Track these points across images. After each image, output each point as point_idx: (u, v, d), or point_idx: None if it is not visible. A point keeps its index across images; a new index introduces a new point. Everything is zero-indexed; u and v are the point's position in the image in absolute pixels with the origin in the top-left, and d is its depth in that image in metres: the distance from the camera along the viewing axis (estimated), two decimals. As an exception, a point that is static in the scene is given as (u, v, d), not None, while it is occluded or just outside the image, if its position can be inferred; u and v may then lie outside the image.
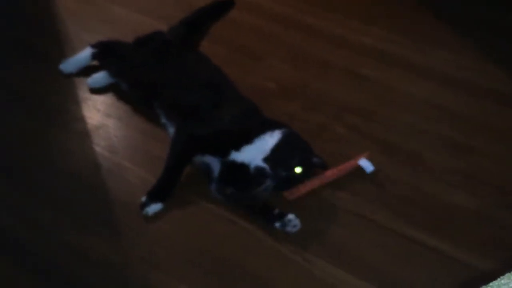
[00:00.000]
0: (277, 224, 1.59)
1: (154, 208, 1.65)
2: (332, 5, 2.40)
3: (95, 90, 2.00)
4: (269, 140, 1.67)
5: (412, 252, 1.58)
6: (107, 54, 2.03)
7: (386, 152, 1.83)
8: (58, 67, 2.04)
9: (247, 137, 1.68)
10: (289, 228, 1.59)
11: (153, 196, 1.66)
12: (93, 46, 2.05)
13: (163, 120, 1.83)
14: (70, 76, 2.04)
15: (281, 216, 1.60)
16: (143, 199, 1.66)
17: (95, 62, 2.05)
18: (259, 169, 1.62)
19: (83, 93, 1.99)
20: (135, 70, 1.92)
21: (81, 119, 1.91)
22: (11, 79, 2.03)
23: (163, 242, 1.60)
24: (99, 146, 1.84)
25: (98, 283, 1.51)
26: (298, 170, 1.64)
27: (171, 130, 1.79)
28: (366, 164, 1.75)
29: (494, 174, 1.77)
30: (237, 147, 1.67)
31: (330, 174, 1.73)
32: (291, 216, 1.60)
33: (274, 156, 1.63)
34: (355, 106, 1.98)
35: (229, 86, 1.88)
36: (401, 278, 1.52)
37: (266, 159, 1.63)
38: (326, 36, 2.25)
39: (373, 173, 1.75)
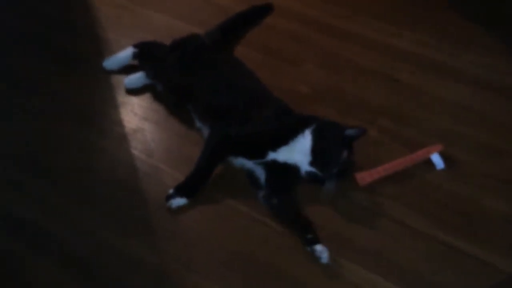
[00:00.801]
0: (307, 248, 1.60)
1: (178, 201, 1.70)
2: (364, 9, 2.40)
3: (132, 93, 2.05)
4: (303, 141, 1.69)
5: (446, 256, 1.58)
6: (146, 54, 2.09)
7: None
8: (97, 73, 2.10)
9: (283, 138, 1.70)
10: (316, 255, 1.58)
11: (180, 190, 1.70)
12: (135, 46, 2.12)
13: (198, 124, 1.87)
14: (109, 78, 2.10)
15: (312, 243, 1.58)
16: (171, 191, 1.70)
17: (135, 62, 2.10)
18: (311, 174, 1.67)
19: (121, 98, 2.04)
20: (171, 73, 1.96)
21: (119, 123, 1.96)
22: (53, 87, 2.09)
23: (198, 244, 1.63)
24: (137, 149, 1.88)
25: (135, 283, 1.56)
26: (344, 154, 1.66)
27: (206, 132, 1.82)
28: (438, 160, 1.77)
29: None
30: (274, 147, 1.70)
31: (402, 162, 1.75)
32: (318, 247, 1.57)
33: (317, 159, 1.66)
34: (389, 110, 1.98)
35: (262, 89, 1.90)
36: (436, 284, 1.52)
37: (312, 163, 1.66)
38: (358, 40, 2.25)
39: (408, 177, 1.75)
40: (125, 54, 2.12)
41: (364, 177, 1.72)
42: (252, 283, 1.55)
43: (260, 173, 1.73)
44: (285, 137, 1.71)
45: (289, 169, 1.72)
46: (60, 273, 1.58)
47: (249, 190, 1.73)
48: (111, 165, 1.84)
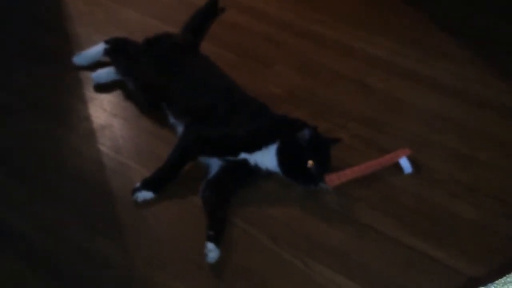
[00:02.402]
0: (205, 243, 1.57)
1: (144, 195, 1.67)
2: (339, 15, 2.41)
3: (102, 88, 2.02)
4: (272, 154, 1.71)
5: (414, 260, 1.58)
6: (118, 51, 2.05)
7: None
8: (66, 67, 2.06)
9: (257, 143, 1.71)
10: (205, 251, 1.53)
11: (147, 184, 1.68)
12: (106, 42, 2.09)
13: (172, 120, 1.85)
14: (78, 73, 2.06)
15: (208, 239, 1.54)
16: (137, 184, 1.68)
17: (106, 58, 2.07)
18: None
19: (90, 93, 2.01)
20: (145, 70, 1.94)
21: (88, 119, 1.93)
22: (19, 79, 2.05)
23: (167, 243, 1.61)
24: (105, 146, 1.85)
25: (103, 283, 1.51)
26: (310, 163, 1.67)
27: (180, 129, 1.81)
28: (406, 165, 1.77)
29: (497, 186, 1.77)
30: (247, 151, 1.71)
31: (370, 165, 1.75)
32: (210, 246, 1.52)
33: (287, 174, 1.71)
34: (361, 115, 1.99)
35: (238, 89, 1.89)
36: (399, 285, 1.52)
37: (284, 175, 1.72)
38: (333, 45, 2.27)
39: (377, 182, 1.76)
40: (96, 50, 2.09)
41: (332, 179, 1.72)
42: (221, 282, 1.53)
43: (216, 165, 1.72)
44: (259, 142, 1.71)
45: (251, 170, 1.72)
46: (25, 272, 1.53)
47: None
48: (78, 161, 1.81)
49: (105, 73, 2.02)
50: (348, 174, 1.73)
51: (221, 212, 1.64)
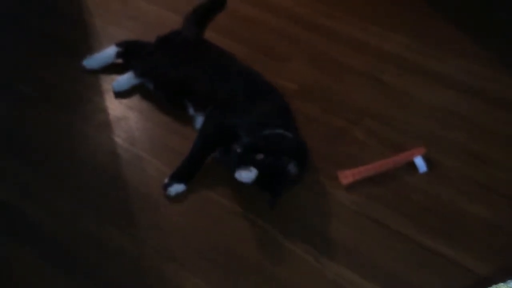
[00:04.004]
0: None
1: (176, 188, 1.70)
2: (353, 10, 2.40)
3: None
4: None
5: (424, 258, 1.59)
6: (131, 53, 2.05)
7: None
8: (82, 59, 2.07)
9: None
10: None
11: (176, 177, 1.71)
12: (117, 44, 2.07)
13: (191, 112, 1.86)
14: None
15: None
16: (166, 180, 1.70)
17: (119, 61, 2.07)
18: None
19: (107, 85, 2.02)
20: (162, 68, 1.94)
21: (104, 110, 1.95)
22: (36, 70, 2.07)
23: (179, 236, 1.63)
24: (120, 137, 1.87)
25: (114, 273, 1.54)
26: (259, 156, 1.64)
27: (199, 120, 1.82)
28: (420, 163, 1.77)
29: (511, 186, 1.77)
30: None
31: (385, 163, 1.76)
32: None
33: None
34: (374, 111, 1.99)
35: (260, 77, 1.92)
36: (411, 283, 1.53)
37: None
38: (347, 40, 2.26)
39: (389, 179, 1.76)
40: (108, 53, 2.07)
41: (347, 175, 1.73)
42: (232, 276, 1.54)
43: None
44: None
45: None
46: (38, 259, 1.56)
47: (232, 184, 1.72)
48: (93, 152, 1.83)
49: (125, 80, 2.00)
50: (362, 171, 1.74)
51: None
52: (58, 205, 1.68)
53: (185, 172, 1.72)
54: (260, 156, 1.62)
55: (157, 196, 1.71)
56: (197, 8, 2.21)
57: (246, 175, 1.58)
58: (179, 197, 1.71)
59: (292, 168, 1.63)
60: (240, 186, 1.69)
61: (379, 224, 1.66)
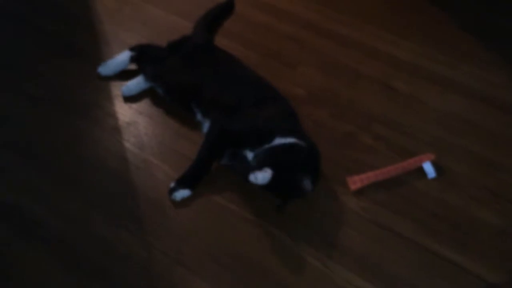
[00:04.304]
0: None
1: (182, 193, 1.71)
2: (363, 16, 2.40)
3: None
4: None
5: (433, 264, 1.58)
6: (145, 56, 2.05)
7: (412, 164, 1.83)
8: (94, 63, 2.08)
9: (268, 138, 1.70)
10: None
11: (182, 182, 1.72)
12: (131, 49, 2.08)
13: (199, 117, 1.87)
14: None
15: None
16: (172, 184, 1.71)
17: (132, 66, 2.08)
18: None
19: (117, 90, 2.03)
20: (175, 73, 1.95)
21: (113, 115, 1.95)
22: (48, 74, 2.08)
23: (187, 240, 1.63)
24: (129, 142, 1.88)
25: (122, 276, 1.55)
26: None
27: (206, 127, 1.83)
28: (429, 169, 1.77)
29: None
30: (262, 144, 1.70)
31: (393, 169, 1.76)
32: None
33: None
34: (384, 117, 1.98)
35: (266, 83, 1.92)
36: (420, 290, 1.52)
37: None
38: (357, 47, 2.26)
39: (399, 185, 1.76)
40: (122, 58, 2.06)
41: (355, 181, 1.72)
42: (240, 280, 1.54)
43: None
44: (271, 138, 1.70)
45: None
46: (50, 260, 1.58)
47: (240, 189, 1.73)
48: (103, 156, 1.83)
49: (135, 85, 2.01)
50: (371, 177, 1.73)
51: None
52: (68, 208, 1.69)
53: (190, 178, 1.73)
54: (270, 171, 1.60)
55: (166, 200, 1.71)
56: (207, 14, 2.22)
57: (262, 176, 1.56)
58: (187, 202, 1.71)
59: (307, 184, 1.62)
60: (249, 191, 1.69)
61: (389, 230, 1.66)
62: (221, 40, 2.18)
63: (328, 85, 2.09)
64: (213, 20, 2.23)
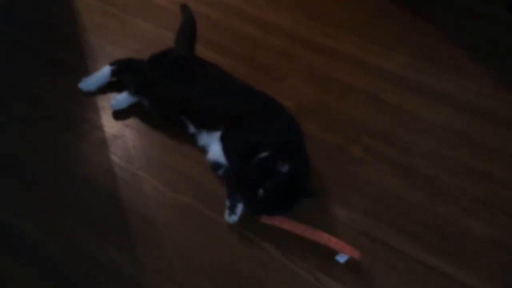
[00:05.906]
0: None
1: (233, 218, 1.68)
2: (351, 29, 2.41)
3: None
4: None
5: (426, 276, 1.57)
6: (125, 71, 2.04)
7: (403, 176, 1.82)
8: (79, 77, 2.05)
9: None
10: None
11: (231, 210, 1.68)
12: (111, 64, 2.06)
13: (192, 130, 1.84)
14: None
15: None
16: (227, 212, 1.69)
17: (115, 79, 2.06)
18: None
19: (103, 102, 2.01)
20: (157, 87, 1.92)
21: (100, 128, 1.93)
22: (33, 88, 2.06)
23: (179, 255, 1.60)
24: (116, 155, 1.85)
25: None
26: (260, 192, 1.60)
27: (202, 138, 1.81)
28: (343, 258, 1.60)
29: (511, 203, 1.75)
30: None
31: (304, 229, 1.63)
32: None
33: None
34: (373, 129, 1.98)
35: (257, 90, 1.91)
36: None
37: None
38: (346, 59, 2.26)
39: (389, 196, 1.75)
40: (102, 73, 2.05)
41: (269, 218, 1.66)
42: (229, 295, 1.52)
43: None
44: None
45: None
46: (36, 279, 1.54)
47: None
48: (90, 171, 1.81)
49: (124, 99, 1.98)
50: (283, 223, 1.64)
51: None
52: (56, 224, 1.66)
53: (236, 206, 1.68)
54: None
55: (155, 215, 1.68)
56: (180, 26, 2.21)
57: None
58: (178, 217, 1.68)
59: (283, 167, 1.59)
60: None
61: (380, 242, 1.64)
62: (208, 53, 2.17)
63: (317, 98, 2.09)
64: (187, 31, 2.19)
